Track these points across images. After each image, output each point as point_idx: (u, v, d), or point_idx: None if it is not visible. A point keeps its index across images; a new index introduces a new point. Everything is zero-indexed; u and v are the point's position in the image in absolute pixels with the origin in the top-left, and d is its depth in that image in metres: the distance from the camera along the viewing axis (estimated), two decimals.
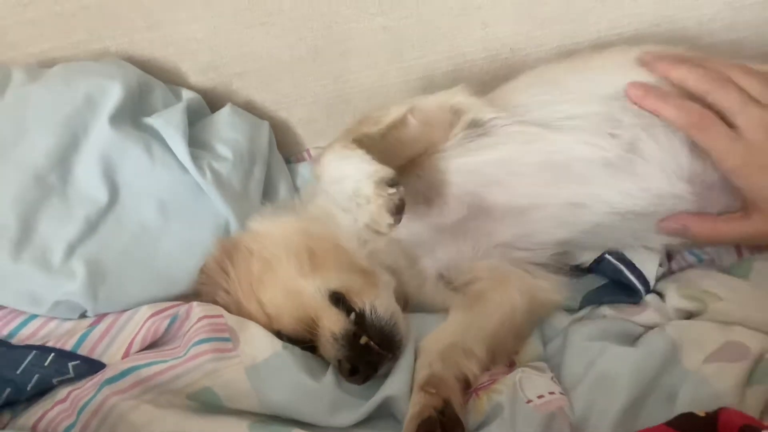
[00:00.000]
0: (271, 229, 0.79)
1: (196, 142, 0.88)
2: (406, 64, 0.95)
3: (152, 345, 0.71)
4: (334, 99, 0.99)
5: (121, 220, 0.80)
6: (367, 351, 0.66)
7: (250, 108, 0.98)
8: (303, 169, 1.03)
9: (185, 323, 0.72)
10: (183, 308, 0.73)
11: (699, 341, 0.66)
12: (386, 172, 0.63)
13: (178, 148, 0.83)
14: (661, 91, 0.71)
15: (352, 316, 0.68)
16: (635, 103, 0.71)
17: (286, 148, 1.03)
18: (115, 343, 0.71)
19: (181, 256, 0.82)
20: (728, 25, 0.93)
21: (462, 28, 0.92)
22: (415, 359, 0.69)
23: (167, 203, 0.83)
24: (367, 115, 0.74)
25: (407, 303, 0.77)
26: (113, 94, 0.82)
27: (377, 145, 0.69)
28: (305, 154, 1.05)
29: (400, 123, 0.72)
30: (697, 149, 0.70)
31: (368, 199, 0.63)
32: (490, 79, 0.96)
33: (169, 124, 0.84)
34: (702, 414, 0.48)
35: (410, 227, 0.75)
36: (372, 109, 0.76)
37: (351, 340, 0.66)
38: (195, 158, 0.84)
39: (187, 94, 0.93)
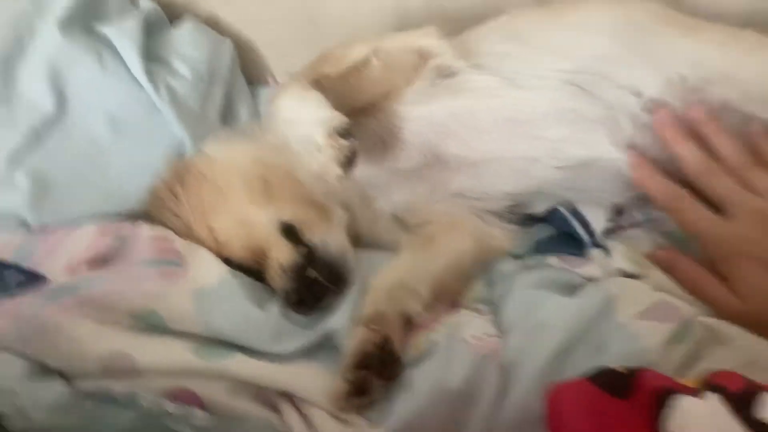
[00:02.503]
0: (227, 155, 0.77)
1: (152, 57, 0.84)
2: None
3: (97, 262, 0.70)
4: (303, 23, 0.95)
5: (68, 132, 0.77)
6: (314, 284, 0.66)
7: (212, 24, 0.93)
8: (266, 94, 1.00)
9: (132, 243, 0.71)
10: (131, 227, 0.72)
11: (634, 297, 0.68)
12: (340, 120, 0.62)
13: (133, 61, 0.80)
14: (680, 131, 0.70)
15: (302, 248, 0.68)
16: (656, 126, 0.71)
17: (249, 71, 1.00)
18: (58, 258, 0.69)
19: (131, 174, 0.80)
20: None
21: None
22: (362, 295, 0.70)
23: (119, 118, 0.81)
24: (329, 53, 0.72)
25: (359, 239, 0.78)
26: None
27: (336, 86, 0.68)
28: (269, 78, 1.01)
29: (362, 64, 0.71)
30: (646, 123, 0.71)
31: (319, 148, 0.62)
32: (466, 16, 0.92)
33: (123, 34, 0.80)
34: (622, 370, 0.50)
35: (367, 169, 0.74)
36: (335, 45, 0.73)
37: (299, 272, 0.67)
38: (150, 73, 0.81)
39: (145, 3, 0.88)
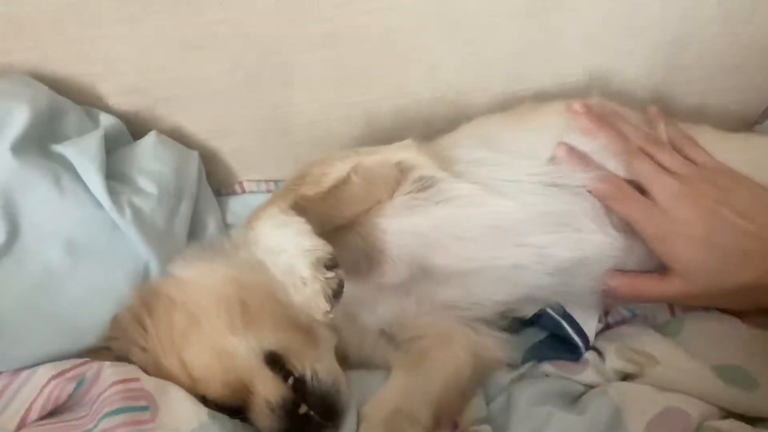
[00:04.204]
0: (198, 277, 0.71)
1: (115, 174, 0.79)
2: (349, 100, 0.91)
3: (54, 412, 0.62)
4: (272, 130, 0.93)
5: (21, 263, 0.70)
6: (306, 421, 0.60)
7: (176, 136, 0.89)
8: (234, 203, 0.96)
9: (94, 386, 0.63)
10: (92, 369, 0.64)
11: (640, 405, 0.66)
12: (324, 250, 0.59)
13: (93, 181, 0.74)
14: (582, 156, 0.73)
15: (291, 380, 0.63)
16: (560, 161, 0.74)
17: (216, 180, 0.96)
18: (9, 410, 0.61)
19: (90, 303, 0.72)
20: (661, 83, 0.96)
21: (408, 67, 0.89)
22: (357, 426, 0.64)
23: (77, 243, 0.74)
24: (307, 172, 0.70)
25: (346, 359, 0.73)
26: (18, 118, 0.71)
27: (317, 207, 0.66)
28: (237, 187, 0.98)
29: (343, 182, 0.69)
30: None
31: (304, 282, 0.58)
32: (437, 119, 0.94)
33: (83, 153, 0.75)
34: None
35: (351, 286, 0.70)
36: (313, 162, 0.71)
37: (289, 409, 0.60)
38: (113, 193, 0.75)
39: (105, 119, 0.83)
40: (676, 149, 0.74)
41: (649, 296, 0.72)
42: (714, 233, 0.65)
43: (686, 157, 0.72)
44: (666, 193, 0.68)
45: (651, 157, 0.71)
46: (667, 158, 0.71)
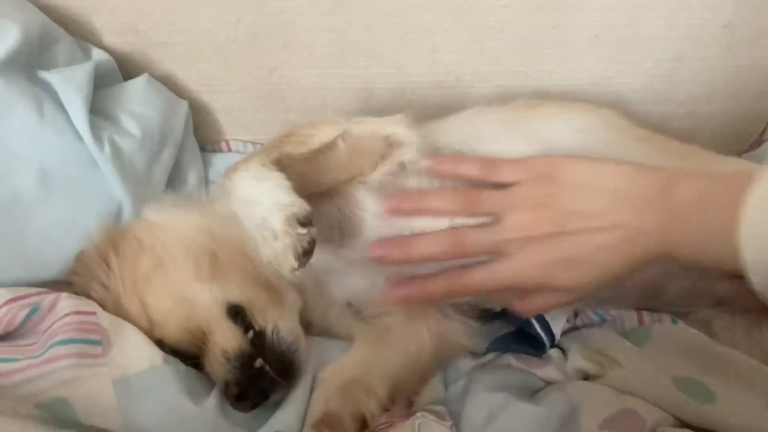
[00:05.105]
0: (171, 223, 0.70)
1: (100, 111, 0.78)
2: (348, 71, 0.90)
3: (4, 337, 0.60)
4: (266, 91, 0.92)
5: None
6: (260, 376, 0.59)
7: (168, 84, 0.88)
8: (218, 160, 0.95)
9: (48, 316, 0.62)
10: (48, 298, 0.63)
11: (597, 404, 0.65)
12: (300, 207, 0.58)
13: (76, 111, 0.73)
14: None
15: (251, 334, 0.61)
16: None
17: (202, 135, 0.95)
18: None
19: (57, 236, 0.71)
20: (657, 97, 0.97)
21: (411, 47, 0.89)
22: (312, 390, 0.63)
23: (51, 173, 0.72)
24: (294, 131, 0.68)
25: (310, 326, 0.72)
26: (8, 37, 0.70)
27: (299, 168, 0.64)
28: (223, 144, 0.97)
29: (328, 147, 0.67)
30: None
31: (275, 235, 0.56)
32: (432, 104, 0.94)
33: (69, 82, 0.74)
34: None
35: (322, 255, 0.69)
36: (301, 124, 0.69)
37: (245, 361, 0.59)
38: (95, 128, 0.74)
39: (97, 54, 0.82)
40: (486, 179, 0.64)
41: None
42: (568, 253, 0.58)
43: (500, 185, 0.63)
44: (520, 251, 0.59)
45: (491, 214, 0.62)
46: (493, 204, 0.62)
